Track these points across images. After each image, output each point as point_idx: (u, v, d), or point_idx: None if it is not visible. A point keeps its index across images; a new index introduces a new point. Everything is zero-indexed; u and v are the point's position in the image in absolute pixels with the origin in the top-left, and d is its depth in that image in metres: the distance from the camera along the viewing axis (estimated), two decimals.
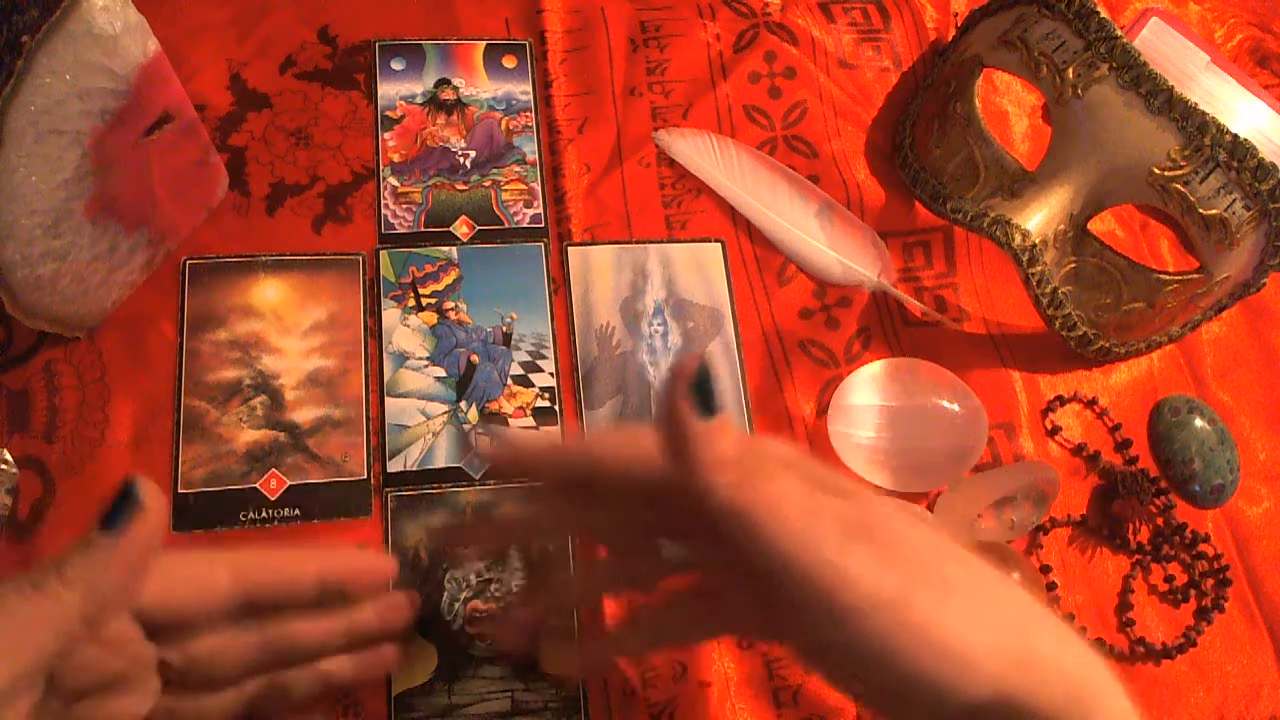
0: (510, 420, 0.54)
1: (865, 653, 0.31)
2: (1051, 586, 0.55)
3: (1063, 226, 0.56)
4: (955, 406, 0.56)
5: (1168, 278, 0.56)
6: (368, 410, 0.53)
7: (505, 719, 0.48)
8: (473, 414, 0.54)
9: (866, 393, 0.56)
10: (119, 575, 0.31)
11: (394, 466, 0.52)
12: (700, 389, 0.31)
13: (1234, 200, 0.53)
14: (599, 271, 0.59)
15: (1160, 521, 0.58)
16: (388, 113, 0.61)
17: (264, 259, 0.56)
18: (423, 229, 0.58)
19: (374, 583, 0.42)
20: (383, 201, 0.58)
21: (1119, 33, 0.54)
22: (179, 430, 0.51)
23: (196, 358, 0.53)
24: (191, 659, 0.36)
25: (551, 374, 0.56)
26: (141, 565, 0.32)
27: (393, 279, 0.56)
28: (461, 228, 0.59)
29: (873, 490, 0.34)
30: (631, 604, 0.47)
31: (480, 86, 0.63)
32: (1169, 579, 0.57)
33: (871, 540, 0.31)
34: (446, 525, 0.51)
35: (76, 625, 0.30)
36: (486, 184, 0.60)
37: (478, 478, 0.53)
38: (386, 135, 0.60)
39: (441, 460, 0.53)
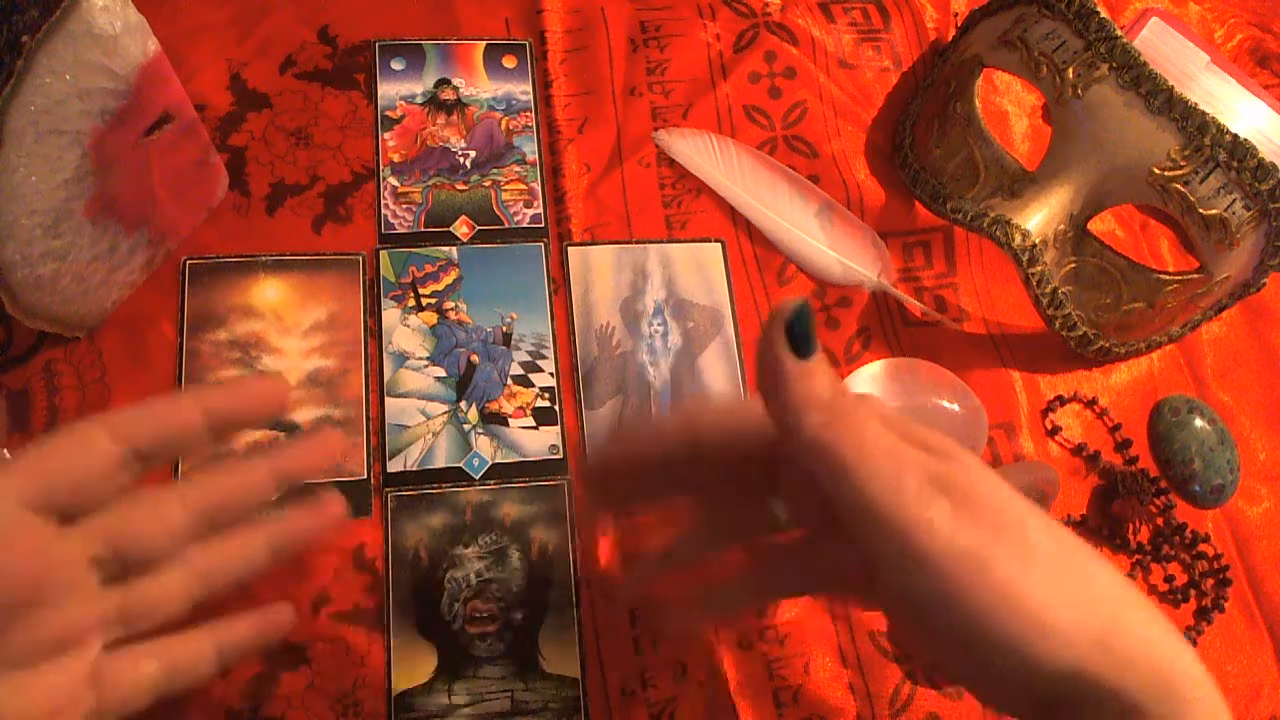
0: (510, 420, 0.54)
1: (945, 604, 0.30)
2: None
3: (1063, 226, 0.56)
4: (955, 406, 0.56)
5: (1168, 278, 0.56)
6: (368, 410, 0.53)
7: (505, 719, 0.48)
8: (473, 414, 0.54)
9: (867, 392, 0.56)
10: None
11: (394, 466, 0.52)
12: (796, 330, 0.32)
13: (1234, 200, 0.53)
14: (599, 271, 0.59)
15: (1160, 521, 0.58)
16: (388, 113, 0.61)
17: (264, 259, 0.56)
18: (423, 229, 0.58)
19: (267, 405, 0.39)
20: (383, 201, 0.58)
21: (1119, 33, 0.54)
22: None
23: (196, 358, 0.53)
24: (114, 536, 0.34)
25: (551, 374, 0.56)
26: None
27: (393, 279, 0.56)
28: (461, 228, 0.59)
29: (960, 447, 0.34)
30: (726, 563, 0.46)
31: (480, 86, 0.63)
32: (1169, 579, 0.57)
33: (955, 495, 0.31)
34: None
35: None
36: (486, 184, 0.60)
37: (478, 478, 0.53)
38: (386, 135, 0.60)
39: (441, 460, 0.53)
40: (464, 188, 0.60)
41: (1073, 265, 0.57)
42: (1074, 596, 0.31)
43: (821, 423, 0.31)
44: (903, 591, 0.32)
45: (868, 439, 0.32)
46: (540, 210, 0.60)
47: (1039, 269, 0.55)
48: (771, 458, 0.37)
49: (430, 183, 0.60)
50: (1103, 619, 0.31)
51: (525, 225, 0.59)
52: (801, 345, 0.32)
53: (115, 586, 0.35)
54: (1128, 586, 0.33)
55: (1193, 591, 0.57)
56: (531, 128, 0.62)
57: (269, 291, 0.55)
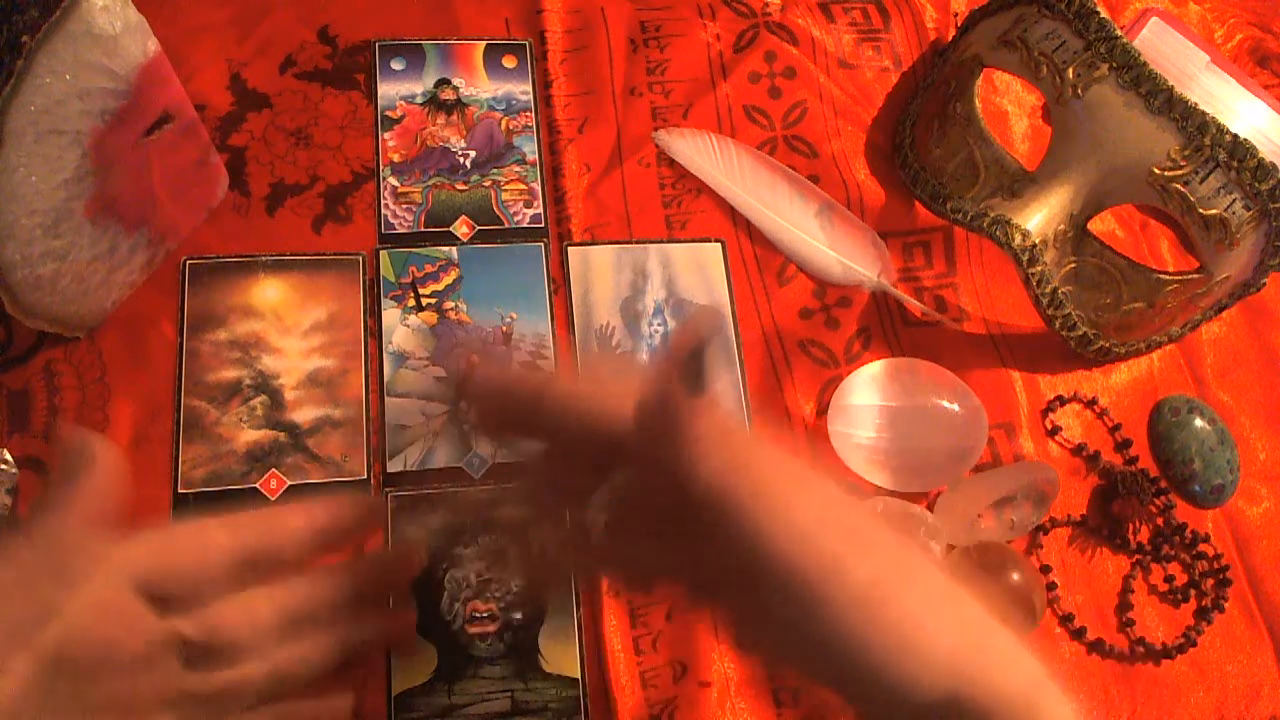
0: None
1: (835, 643, 0.31)
2: (1051, 586, 0.55)
3: (1063, 226, 0.56)
4: (955, 406, 0.56)
5: (1168, 278, 0.56)
6: (368, 410, 0.53)
7: (505, 719, 0.48)
8: (473, 414, 0.54)
9: (866, 393, 0.56)
10: (77, 524, 0.32)
11: (394, 466, 0.52)
12: (693, 366, 0.31)
13: (1234, 200, 0.53)
14: (599, 271, 0.59)
15: (1160, 521, 0.58)
16: (388, 113, 0.61)
17: (264, 259, 0.56)
18: (423, 229, 0.58)
19: (362, 517, 0.41)
20: (383, 201, 0.58)
21: (1119, 33, 0.54)
22: (179, 430, 0.51)
23: (196, 358, 0.53)
24: (207, 629, 0.36)
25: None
26: (100, 513, 0.33)
27: (393, 279, 0.56)
28: (461, 228, 0.59)
29: (847, 488, 0.34)
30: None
31: (480, 86, 0.63)
32: (1169, 579, 0.57)
33: (853, 534, 0.32)
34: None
35: (46, 579, 0.31)
36: (486, 184, 0.60)
37: (478, 477, 0.53)
38: (386, 135, 0.60)
39: (441, 460, 0.53)
40: (464, 188, 0.60)
41: (1073, 265, 0.57)
42: (955, 628, 0.32)
43: (719, 461, 0.31)
44: (798, 627, 0.32)
45: (765, 483, 0.31)
46: (540, 210, 0.60)
47: (1039, 269, 0.55)
48: (613, 450, 0.35)
49: (430, 183, 0.60)
50: (975, 644, 0.32)
51: (525, 225, 0.59)
52: (697, 381, 0.31)
53: (196, 671, 0.36)
54: (988, 614, 0.33)
55: (1193, 591, 0.57)
56: (531, 128, 0.62)
57: (269, 291, 0.55)
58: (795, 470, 0.33)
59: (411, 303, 0.56)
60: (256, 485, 0.51)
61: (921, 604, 0.32)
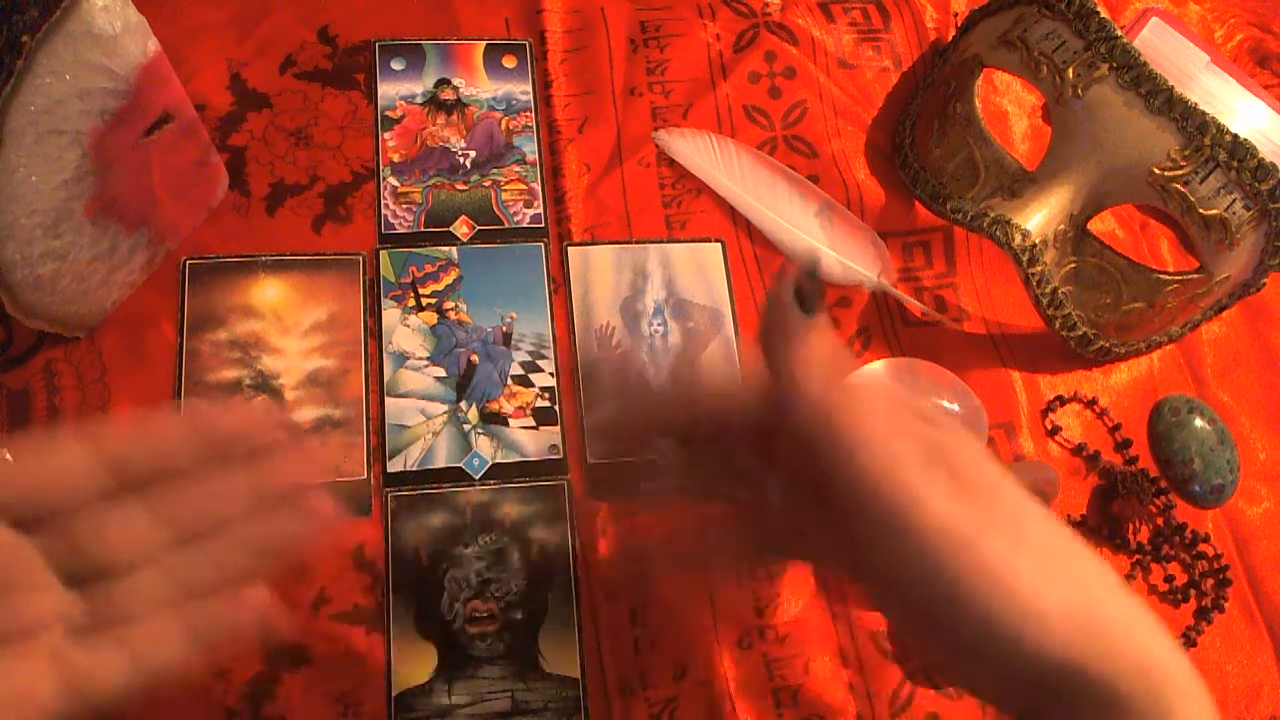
0: (510, 420, 0.54)
1: (931, 582, 0.30)
2: None
3: (1063, 226, 0.56)
4: (955, 406, 0.56)
5: (1168, 278, 0.56)
6: (368, 410, 0.53)
7: (505, 719, 0.48)
8: (473, 414, 0.54)
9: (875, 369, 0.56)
10: None
11: (394, 466, 0.52)
12: (805, 288, 0.31)
13: (1234, 200, 0.53)
14: (599, 271, 0.59)
15: (1160, 521, 0.58)
16: (388, 113, 0.61)
17: (264, 259, 0.56)
18: (423, 229, 0.58)
19: (257, 427, 0.37)
20: (383, 201, 0.58)
21: (1119, 33, 0.54)
22: None
23: (196, 358, 0.53)
24: (77, 544, 0.34)
25: (551, 374, 0.56)
26: None
27: (393, 279, 0.56)
28: (461, 228, 0.59)
29: (967, 433, 0.33)
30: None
31: (480, 86, 0.63)
32: (1169, 579, 0.57)
33: (952, 472, 0.30)
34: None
35: None
36: (486, 184, 0.60)
37: (478, 478, 0.53)
38: (386, 135, 0.60)
39: (441, 460, 0.53)
40: (464, 188, 0.60)
41: (1073, 265, 0.57)
42: (1064, 583, 0.30)
43: (823, 382, 0.31)
44: (889, 566, 0.31)
45: (868, 405, 0.31)
46: (540, 210, 0.60)
47: (1039, 269, 0.55)
48: (767, 436, 0.36)
49: (430, 183, 0.60)
50: (1091, 610, 0.30)
51: (525, 225, 0.59)
52: (808, 303, 0.31)
53: (85, 588, 0.34)
54: (1118, 582, 0.32)
55: (1193, 591, 0.57)
56: (531, 128, 0.62)
57: (269, 291, 0.55)
58: (904, 403, 0.32)
59: (411, 303, 0.56)
60: None
61: (1023, 553, 0.30)
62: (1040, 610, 0.30)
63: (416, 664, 0.49)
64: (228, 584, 0.37)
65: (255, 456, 0.37)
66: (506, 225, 0.59)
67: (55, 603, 0.34)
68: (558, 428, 0.55)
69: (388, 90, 0.62)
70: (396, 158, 0.60)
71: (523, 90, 0.63)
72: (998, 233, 0.54)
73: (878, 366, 0.57)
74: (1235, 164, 0.52)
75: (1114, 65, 0.54)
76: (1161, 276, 0.56)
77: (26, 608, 0.33)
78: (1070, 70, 0.55)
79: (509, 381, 0.55)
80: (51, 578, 0.34)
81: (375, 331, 0.55)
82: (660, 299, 0.59)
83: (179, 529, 0.36)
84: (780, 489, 0.38)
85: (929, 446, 0.31)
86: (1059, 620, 0.30)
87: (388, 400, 0.54)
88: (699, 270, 0.60)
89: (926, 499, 0.30)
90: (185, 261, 0.55)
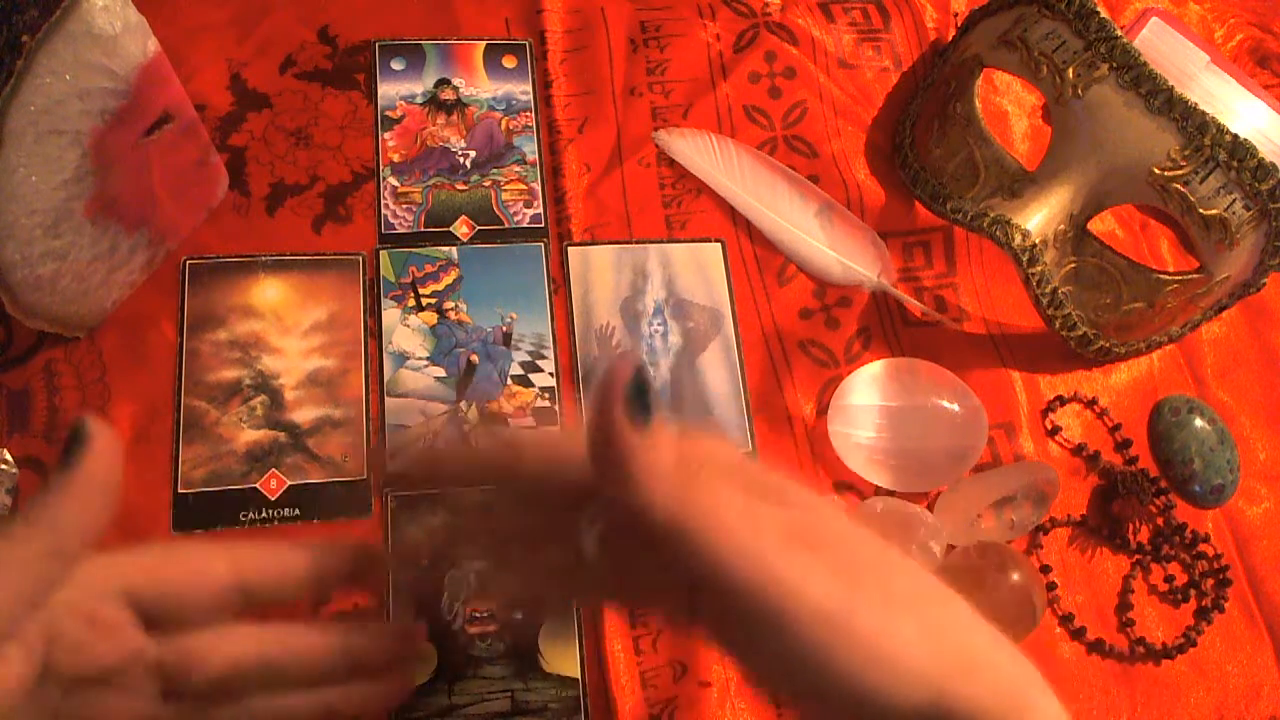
0: (510, 420, 0.54)
1: (806, 663, 0.30)
2: (1051, 586, 0.55)
3: (1063, 226, 0.56)
4: (955, 406, 0.56)
5: (1168, 278, 0.56)
6: (368, 410, 0.53)
7: (505, 719, 0.48)
8: (473, 414, 0.54)
9: (866, 393, 0.56)
10: (78, 508, 0.32)
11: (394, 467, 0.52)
12: (636, 396, 0.30)
13: (1234, 200, 0.53)
14: (599, 271, 0.59)
15: (1160, 521, 0.58)
16: (388, 113, 0.61)
17: (264, 259, 0.56)
18: (423, 229, 0.58)
19: (364, 567, 0.40)
20: (383, 201, 0.58)
21: (1119, 33, 0.54)
22: (179, 430, 0.51)
23: (196, 358, 0.53)
24: (183, 653, 0.35)
25: (551, 374, 0.56)
26: (100, 498, 0.33)
27: (393, 279, 0.56)
28: (461, 228, 0.59)
29: (815, 494, 0.33)
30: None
31: (480, 86, 0.63)
32: (1169, 579, 0.57)
33: (815, 548, 0.31)
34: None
35: (45, 562, 0.31)
36: (486, 184, 0.60)
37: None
38: (386, 135, 0.60)
39: None
40: (464, 188, 0.60)
41: (1073, 265, 0.57)
42: (931, 630, 0.31)
43: (670, 496, 0.30)
44: (769, 653, 0.31)
45: (720, 506, 0.31)
46: (540, 210, 0.60)
47: (1039, 269, 0.55)
48: (590, 493, 0.35)
49: (430, 183, 0.60)
50: (957, 648, 0.31)
51: (525, 225, 0.59)
52: (641, 412, 0.30)
53: (171, 703, 0.36)
54: (972, 612, 0.33)
55: (1193, 591, 0.57)
56: (531, 128, 0.62)
57: (269, 291, 0.55)
58: (751, 487, 0.32)
59: (411, 303, 0.56)
60: (256, 485, 0.51)
61: (893, 612, 0.31)
62: (912, 665, 0.30)
63: (416, 664, 0.48)
64: None
65: (358, 627, 0.39)
66: (506, 225, 0.59)
67: (146, 709, 0.35)
68: (558, 428, 0.55)
69: (388, 90, 0.62)
70: (396, 158, 0.60)
71: (523, 90, 0.63)
72: (998, 233, 0.54)
73: (877, 367, 0.57)
74: (1235, 164, 0.52)
75: (1114, 65, 0.54)
76: (1161, 276, 0.56)
77: (120, 706, 0.34)
78: (1070, 70, 0.55)
79: (509, 381, 0.55)
80: (152, 688, 0.35)
81: (375, 331, 0.55)
82: (660, 299, 0.59)
83: (271, 664, 0.37)
84: (598, 542, 0.37)
85: (787, 530, 0.31)
86: (929, 668, 0.30)
87: (388, 400, 0.54)
88: (699, 270, 0.60)
89: (794, 586, 0.30)
90: (185, 261, 0.55)
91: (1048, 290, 0.56)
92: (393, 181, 0.59)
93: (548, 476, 0.36)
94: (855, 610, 0.30)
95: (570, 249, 0.59)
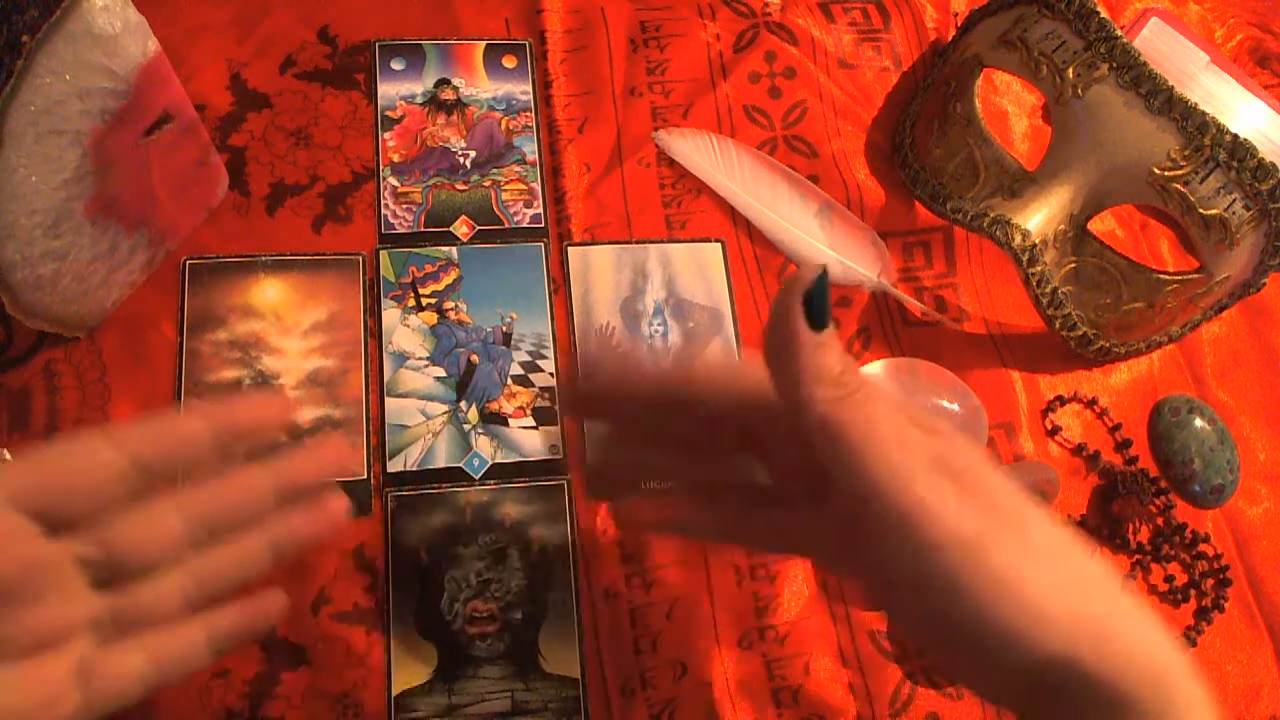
0: (510, 420, 0.54)
1: (943, 588, 0.30)
2: None
3: (1063, 226, 0.56)
4: (955, 406, 0.56)
5: (1168, 278, 0.56)
6: (368, 410, 0.53)
7: (505, 719, 0.48)
8: (473, 414, 0.54)
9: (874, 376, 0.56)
10: None
11: (394, 466, 0.52)
12: (814, 301, 0.31)
13: (1234, 200, 0.53)
14: (599, 271, 0.59)
15: (1160, 521, 0.58)
16: (388, 113, 0.61)
17: (264, 259, 0.56)
18: (423, 229, 0.58)
19: (270, 420, 0.39)
20: (383, 201, 0.58)
21: (1119, 33, 0.54)
22: None
23: (196, 358, 0.53)
24: (106, 547, 0.34)
25: (551, 374, 0.56)
26: None
27: (393, 279, 0.56)
28: (461, 228, 0.59)
29: (970, 441, 0.34)
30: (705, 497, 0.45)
31: (480, 86, 0.63)
32: (1169, 579, 0.57)
33: (959, 481, 0.31)
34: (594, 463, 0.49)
35: None
36: (486, 184, 0.60)
37: (478, 477, 0.53)
38: (386, 135, 0.60)
39: (441, 460, 0.53)
40: (464, 188, 0.60)
41: (1073, 265, 0.57)
42: (1069, 587, 0.31)
43: (830, 399, 0.31)
44: (900, 576, 0.32)
45: (875, 419, 0.31)
46: (540, 210, 0.60)
47: (1039, 269, 0.55)
48: (763, 421, 0.37)
49: (430, 183, 0.60)
50: (1097, 611, 0.31)
51: (525, 225, 0.59)
52: (817, 317, 0.31)
53: (108, 590, 0.35)
54: (1120, 584, 0.33)
55: (1193, 591, 0.57)
56: (531, 128, 0.62)
57: (269, 291, 0.55)
58: (905, 414, 0.33)
59: (411, 303, 0.56)
60: None
61: (1031, 558, 0.31)
62: (1046, 612, 0.30)
63: (416, 664, 0.49)
64: (245, 582, 0.38)
65: (275, 452, 0.38)
66: (506, 225, 0.59)
67: (84, 609, 0.34)
68: (558, 428, 0.55)
69: (388, 90, 0.62)
70: (396, 158, 0.60)
71: (523, 90, 0.63)
72: (998, 233, 0.54)
73: (877, 366, 0.57)
74: (1235, 164, 0.52)
75: (1114, 65, 0.54)
76: (1161, 276, 0.57)
77: (56, 616, 0.33)
78: (1070, 70, 0.55)
79: (509, 381, 0.55)
80: (81, 583, 0.34)
81: (375, 331, 0.55)
82: (660, 299, 0.59)
83: (206, 528, 0.37)
84: (769, 482, 0.39)
85: (933, 456, 0.32)
86: (1064, 621, 0.30)
87: (388, 400, 0.54)
88: (699, 270, 0.60)
89: (939, 512, 0.30)
90: (185, 261, 0.55)
91: (1048, 290, 0.56)
92: (393, 181, 0.59)
93: (721, 403, 0.37)
94: (993, 544, 0.30)
95: (570, 249, 0.59)
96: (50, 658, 0.33)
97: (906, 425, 0.32)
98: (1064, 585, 0.31)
